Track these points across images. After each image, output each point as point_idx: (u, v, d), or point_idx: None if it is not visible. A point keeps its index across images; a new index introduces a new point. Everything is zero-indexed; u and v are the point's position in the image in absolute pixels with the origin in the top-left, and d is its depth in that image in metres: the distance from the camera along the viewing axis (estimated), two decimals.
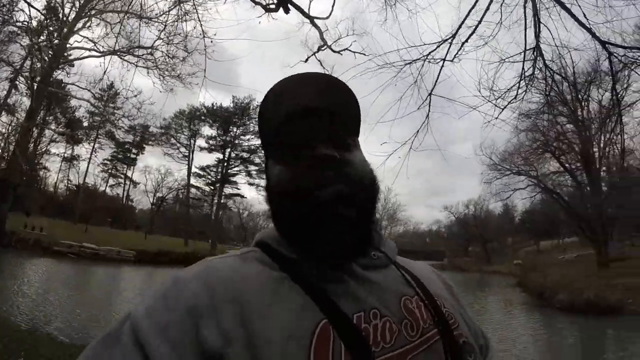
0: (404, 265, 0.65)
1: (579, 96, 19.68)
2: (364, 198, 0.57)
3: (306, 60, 6.28)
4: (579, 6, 4.29)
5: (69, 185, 49.70)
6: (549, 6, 4.68)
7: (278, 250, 0.57)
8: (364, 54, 5.76)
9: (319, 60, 6.38)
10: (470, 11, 4.94)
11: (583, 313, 12.34)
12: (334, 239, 0.53)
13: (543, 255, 38.24)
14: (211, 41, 8.34)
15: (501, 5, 4.86)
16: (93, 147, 43.80)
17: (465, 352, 0.56)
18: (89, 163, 44.35)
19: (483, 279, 29.69)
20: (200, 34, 6.99)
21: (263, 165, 0.69)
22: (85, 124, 39.47)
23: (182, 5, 7.88)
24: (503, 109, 5.32)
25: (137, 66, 12.43)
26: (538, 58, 4.90)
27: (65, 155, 45.84)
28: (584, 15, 4.27)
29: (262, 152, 0.67)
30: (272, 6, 6.13)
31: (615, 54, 4.54)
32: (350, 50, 6.24)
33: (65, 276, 15.59)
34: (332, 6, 6.10)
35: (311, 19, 6.10)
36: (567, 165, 22.34)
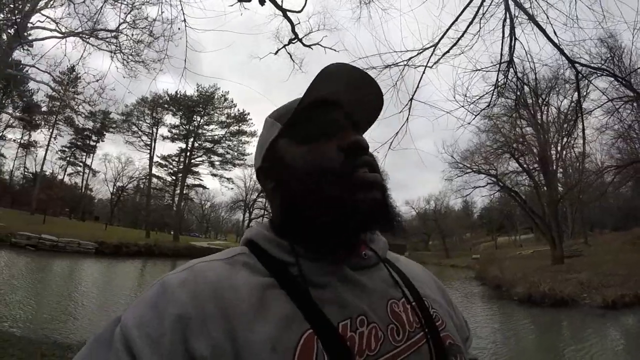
0: (393, 262, 0.67)
1: (539, 101, 20.66)
2: (389, 193, 0.59)
3: (276, 52, 6.26)
4: (551, 24, 4.60)
5: (26, 173, 47.26)
6: (524, 24, 5.00)
7: (266, 251, 0.57)
8: (335, 50, 5.83)
9: (289, 53, 6.38)
10: (453, 23, 5.26)
11: (539, 305, 12.89)
12: (370, 215, 0.53)
13: (500, 251, 39.81)
14: (179, 28, 8.15)
15: (480, 19, 5.17)
16: (51, 133, 41.70)
17: (451, 355, 0.56)
18: (46, 150, 42.24)
19: (442, 272, 30.54)
20: (168, 20, 6.79)
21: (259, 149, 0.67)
22: (44, 108, 37.59)
23: None
24: (476, 115, 5.70)
25: (99, 49, 11.93)
26: (510, 70, 5.22)
27: (22, 141, 43.52)
28: (554, 33, 4.59)
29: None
30: None
31: (581, 72, 4.89)
32: (321, 45, 6.26)
33: (25, 269, 14.83)
34: (305, 0, 6.10)
35: (284, 12, 6.05)
36: (525, 165, 23.39)
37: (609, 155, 23.78)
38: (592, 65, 5.20)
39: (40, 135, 43.17)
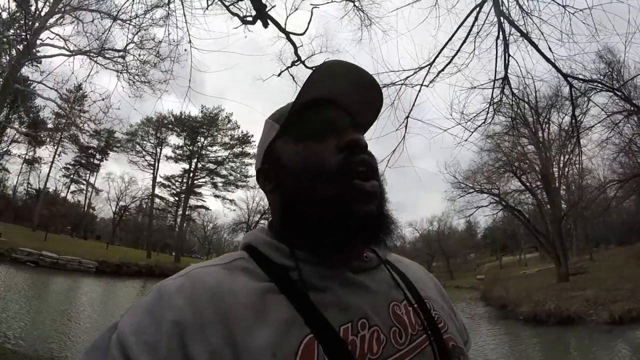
0: (395, 264, 0.66)
1: (540, 119, 20.83)
2: (385, 203, 0.58)
3: (279, 74, 6.37)
4: (545, 40, 4.68)
5: (29, 189, 47.31)
6: (518, 41, 5.09)
7: (266, 256, 0.57)
8: None
9: (292, 75, 6.50)
10: (447, 42, 5.38)
11: (545, 324, 12.78)
12: (366, 218, 0.52)
13: (505, 270, 39.36)
14: (185, 50, 8.29)
15: (475, 37, 5.29)
16: (56, 150, 41.85)
17: (454, 357, 0.56)
18: (50, 167, 42.19)
19: (447, 294, 30.22)
20: (174, 41, 6.92)
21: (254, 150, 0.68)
22: (50, 125, 37.93)
23: (169, 9, 7.74)
24: (473, 132, 5.75)
25: (106, 68, 12.12)
26: (506, 86, 5.29)
27: (27, 157, 43.72)
28: (549, 49, 4.66)
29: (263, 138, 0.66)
30: (249, 19, 6.18)
31: (574, 86, 4.95)
32: None
33: (25, 286, 14.76)
34: (308, 23, 6.23)
35: (287, 34, 6.18)
36: (527, 184, 23.29)
37: (611, 170, 23.79)
38: (586, 79, 5.22)
39: (45, 152, 43.30)
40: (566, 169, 23.91)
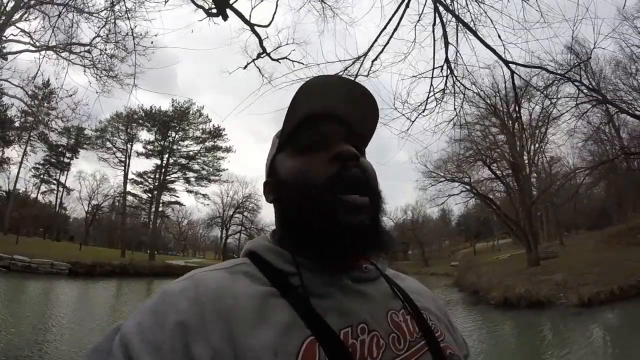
0: (392, 278, 0.67)
1: (509, 109, 21.38)
2: (380, 212, 0.60)
3: (245, 67, 6.31)
4: (495, 28, 4.73)
5: None
6: (458, 27, 5.10)
7: (268, 262, 0.58)
8: (302, 64, 5.91)
9: (257, 67, 6.45)
10: (381, 32, 5.31)
11: (516, 307, 13.18)
12: (353, 230, 0.53)
13: (479, 257, 40.28)
14: (152, 42, 8.16)
15: (415, 26, 5.26)
16: (25, 149, 40.44)
17: None
18: (19, 167, 40.83)
19: (422, 281, 30.36)
20: (140, 35, 6.80)
21: (268, 162, 0.69)
22: (17, 124, 36.53)
23: (124, 2, 7.56)
24: (413, 122, 5.69)
25: (73, 63, 11.76)
26: (449, 75, 5.29)
27: None
28: (499, 36, 4.70)
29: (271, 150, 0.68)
30: (214, 11, 6.11)
31: (516, 72, 5.04)
32: (288, 59, 6.32)
33: None
34: (273, 15, 6.19)
35: (251, 26, 6.12)
36: (498, 172, 23.79)
37: (581, 158, 24.73)
38: (527, 64, 5.27)
39: (13, 152, 41.80)
40: (535, 157, 24.66)
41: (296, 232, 0.58)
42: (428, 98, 5.51)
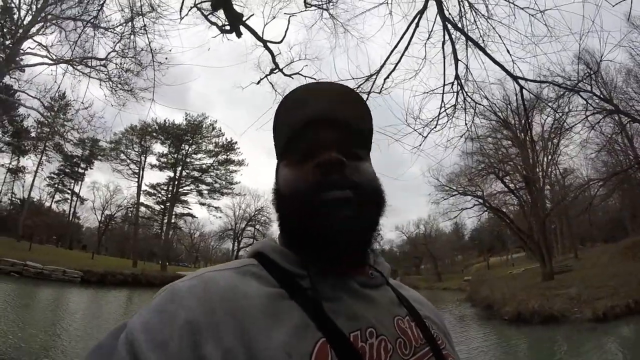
0: (395, 287, 0.68)
1: (522, 122, 21.25)
2: (370, 207, 0.59)
3: (258, 82, 6.41)
4: (504, 43, 4.75)
5: (13, 199, 46.38)
6: (467, 44, 5.14)
7: (276, 263, 0.58)
8: (314, 79, 5.97)
9: (270, 83, 6.55)
10: (392, 52, 5.38)
11: (529, 322, 12.92)
12: (337, 236, 0.54)
13: (492, 271, 39.66)
14: (166, 58, 8.32)
15: (425, 43, 5.31)
16: (40, 159, 41.13)
17: None
18: (34, 176, 41.43)
19: (434, 296, 30.37)
20: (156, 50, 6.95)
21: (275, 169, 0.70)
22: (33, 134, 37.36)
23: (142, 17, 7.73)
24: (425, 137, 5.70)
25: (89, 77, 12.03)
26: (460, 90, 5.32)
27: (11, 166, 42.92)
28: (508, 51, 4.71)
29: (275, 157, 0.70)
30: (228, 27, 6.23)
31: (525, 88, 5.04)
32: (301, 75, 6.42)
33: (8, 296, 14.47)
34: (285, 31, 6.30)
35: (264, 43, 6.24)
36: (510, 185, 23.50)
37: (594, 169, 24.34)
38: (536, 80, 5.29)
39: (29, 161, 42.59)
40: (549, 169, 24.33)
41: (295, 236, 0.60)
42: (440, 114, 5.57)
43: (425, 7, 5.05)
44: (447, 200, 24.04)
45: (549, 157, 23.27)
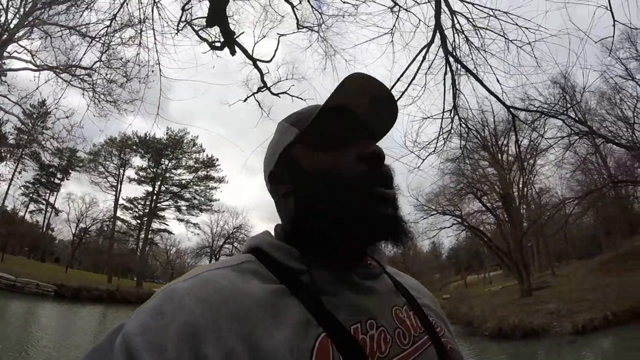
0: (393, 275, 0.68)
1: (499, 143, 21.95)
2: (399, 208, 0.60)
3: (245, 100, 6.48)
4: (494, 73, 5.08)
5: None
6: (465, 76, 5.54)
7: (274, 258, 0.57)
8: (302, 99, 6.10)
9: (257, 101, 6.62)
10: (399, 79, 5.72)
11: (510, 337, 13.08)
12: (386, 229, 0.56)
13: (470, 289, 39.90)
14: (152, 71, 8.28)
15: (426, 73, 5.69)
16: (16, 167, 39.88)
17: (454, 358, 0.59)
18: (9, 184, 40.00)
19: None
20: (142, 62, 6.93)
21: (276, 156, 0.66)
22: (11, 141, 36.24)
23: (139, 29, 7.67)
24: (424, 160, 6.09)
25: (71, 85, 11.82)
26: (455, 117, 5.70)
27: None
28: (498, 81, 5.07)
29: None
30: (218, 44, 6.30)
31: (517, 116, 5.39)
32: (288, 94, 6.50)
33: None
34: (275, 51, 6.42)
35: (254, 61, 6.32)
36: (488, 204, 23.98)
37: (569, 188, 25.12)
38: (528, 109, 5.72)
39: (4, 168, 41.25)
40: (525, 189, 25.02)
41: (313, 225, 0.58)
42: (438, 138, 5.94)
43: (432, 41, 5.38)
44: (425, 220, 24.22)
45: (526, 177, 23.94)
